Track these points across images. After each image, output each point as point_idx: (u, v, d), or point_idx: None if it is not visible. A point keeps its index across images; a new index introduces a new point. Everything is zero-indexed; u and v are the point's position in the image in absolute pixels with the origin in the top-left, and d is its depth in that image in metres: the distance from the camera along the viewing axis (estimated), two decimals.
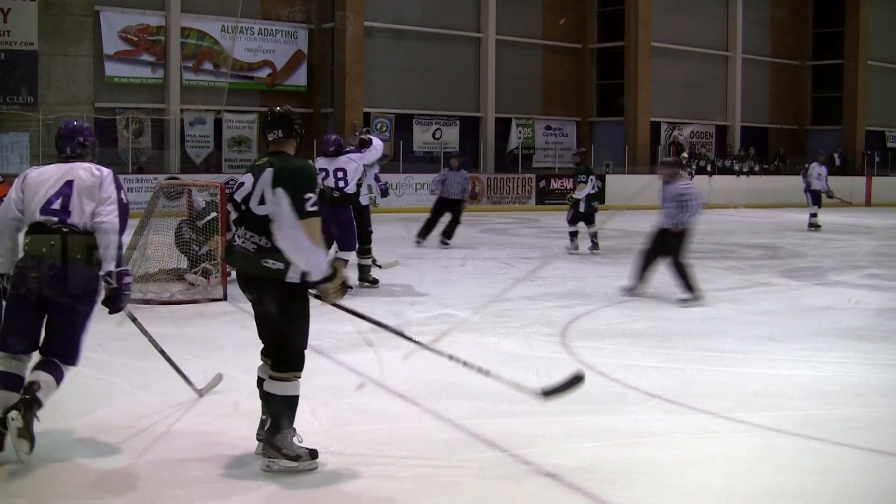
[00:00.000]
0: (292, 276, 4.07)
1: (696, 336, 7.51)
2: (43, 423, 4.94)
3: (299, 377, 4.19)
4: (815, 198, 18.53)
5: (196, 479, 4.13)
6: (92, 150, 4.67)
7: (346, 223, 9.19)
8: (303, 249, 4.01)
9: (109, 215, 4.35)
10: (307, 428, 4.84)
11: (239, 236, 4.17)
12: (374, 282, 9.97)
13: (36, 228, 4.34)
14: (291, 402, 4.17)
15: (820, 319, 8.45)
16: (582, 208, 13.63)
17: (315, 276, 4.07)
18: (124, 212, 4.45)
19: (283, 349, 4.17)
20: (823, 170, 18.63)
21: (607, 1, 29.10)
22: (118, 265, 4.36)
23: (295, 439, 4.18)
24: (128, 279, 4.45)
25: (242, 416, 5.08)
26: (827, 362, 6.68)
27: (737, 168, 28.12)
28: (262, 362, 4.38)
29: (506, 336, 7.41)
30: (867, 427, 5.09)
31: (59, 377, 4.40)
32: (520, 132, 27.93)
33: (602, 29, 29.35)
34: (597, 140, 28.94)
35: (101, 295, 4.45)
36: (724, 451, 4.64)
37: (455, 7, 26.83)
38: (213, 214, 9.58)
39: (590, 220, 13.80)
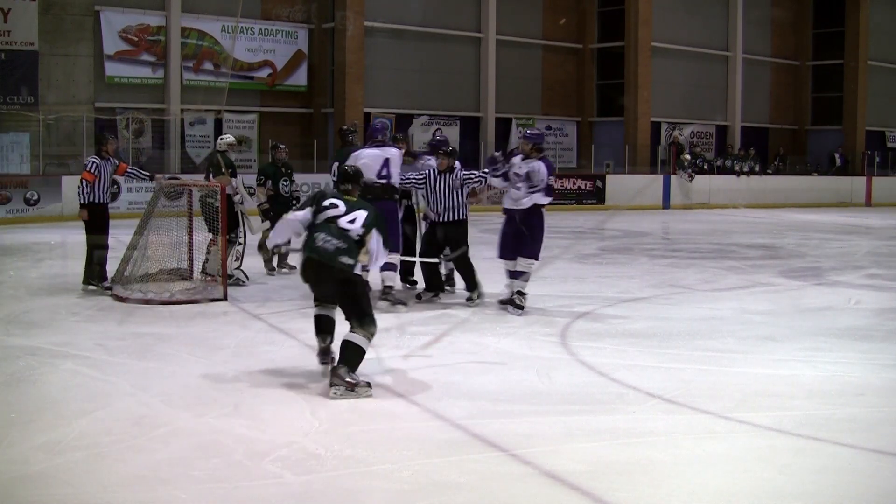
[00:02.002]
0: (357, 270, 5.93)
1: (696, 336, 7.51)
2: (43, 422, 4.95)
3: (374, 335, 5.76)
4: None
5: (196, 479, 4.13)
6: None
7: (388, 217, 8.38)
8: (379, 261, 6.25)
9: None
10: (307, 428, 4.86)
11: (321, 239, 5.82)
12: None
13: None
14: (363, 354, 5.69)
15: (820, 319, 8.45)
16: None
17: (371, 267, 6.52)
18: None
19: (363, 313, 5.78)
20: None
21: (607, 1, 29.07)
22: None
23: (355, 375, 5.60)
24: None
25: (242, 416, 5.09)
26: (827, 362, 6.68)
27: (737, 168, 28.12)
28: (316, 306, 6.15)
29: (506, 336, 7.41)
30: (867, 427, 5.09)
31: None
32: (520, 132, 27.93)
33: (602, 29, 29.33)
34: (597, 140, 28.94)
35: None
36: (724, 451, 4.64)
37: (455, 7, 26.81)
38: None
39: None
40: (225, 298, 8.90)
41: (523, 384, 5.88)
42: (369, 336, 5.72)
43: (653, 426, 5.03)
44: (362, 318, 5.74)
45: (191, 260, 9.77)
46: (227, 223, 9.27)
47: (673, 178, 26.44)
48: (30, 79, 20.58)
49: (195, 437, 4.71)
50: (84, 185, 9.24)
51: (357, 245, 5.89)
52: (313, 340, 6.21)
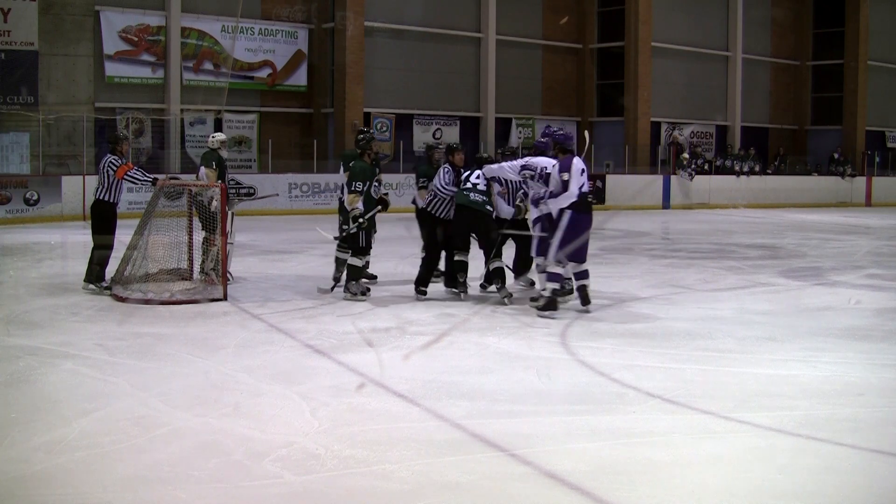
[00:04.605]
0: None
1: (696, 336, 7.50)
2: (43, 422, 4.95)
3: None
4: None
5: (196, 479, 4.13)
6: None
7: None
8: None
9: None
10: (307, 428, 4.85)
11: (471, 194, 8.91)
12: (372, 277, 10.10)
13: None
14: (504, 271, 8.99)
15: (820, 319, 8.45)
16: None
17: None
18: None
19: (492, 245, 8.90)
20: None
21: (607, 1, 29.10)
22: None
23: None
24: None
25: (242, 416, 5.09)
26: (827, 362, 6.68)
27: (737, 168, 28.12)
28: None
29: (506, 336, 7.41)
30: (867, 427, 5.09)
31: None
32: (520, 132, 27.93)
33: (602, 29, 29.35)
34: (597, 140, 28.85)
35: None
36: (724, 451, 4.64)
37: (455, 7, 26.83)
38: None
39: None
40: (225, 298, 8.89)
41: (523, 384, 5.88)
42: (500, 260, 8.89)
43: (653, 426, 5.03)
44: (492, 249, 8.80)
45: (191, 260, 9.77)
46: (211, 223, 9.32)
47: (673, 178, 26.44)
48: (30, 79, 20.58)
49: (195, 437, 4.71)
50: (136, 174, 9.46)
51: (488, 194, 8.83)
52: (313, 340, 6.21)
